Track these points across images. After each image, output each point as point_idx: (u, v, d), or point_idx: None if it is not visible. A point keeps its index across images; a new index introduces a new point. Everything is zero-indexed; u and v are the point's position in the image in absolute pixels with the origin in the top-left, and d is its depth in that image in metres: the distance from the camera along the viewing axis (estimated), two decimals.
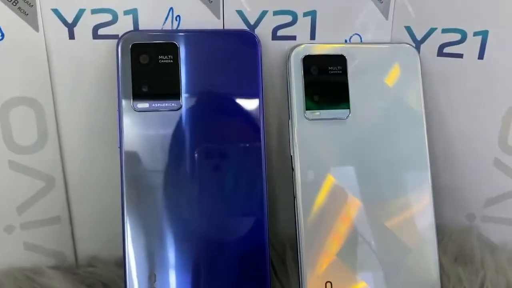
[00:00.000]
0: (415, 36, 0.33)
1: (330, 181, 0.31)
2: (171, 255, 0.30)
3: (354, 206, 0.31)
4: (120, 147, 0.30)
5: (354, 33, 0.33)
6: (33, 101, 0.31)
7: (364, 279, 0.31)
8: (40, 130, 0.32)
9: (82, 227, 0.35)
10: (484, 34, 0.32)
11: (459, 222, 0.37)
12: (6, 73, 0.30)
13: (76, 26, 0.30)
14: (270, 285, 0.31)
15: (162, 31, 0.31)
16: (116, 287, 0.33)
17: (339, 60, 0.32)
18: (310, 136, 0.31)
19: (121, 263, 0.30)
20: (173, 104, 0.30)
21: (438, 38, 0.33)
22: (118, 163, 0.30)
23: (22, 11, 0.29)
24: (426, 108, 0.33)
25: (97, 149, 0.33)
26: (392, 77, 0.32)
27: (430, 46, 0.33)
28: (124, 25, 0.31)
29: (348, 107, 0.32)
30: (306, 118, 0.31)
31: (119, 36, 0.30)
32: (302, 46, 0.32)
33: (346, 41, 0.33)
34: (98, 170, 0.34)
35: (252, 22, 0.32)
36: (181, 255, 0.30)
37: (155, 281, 0.30)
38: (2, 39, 0.30)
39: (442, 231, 0.36)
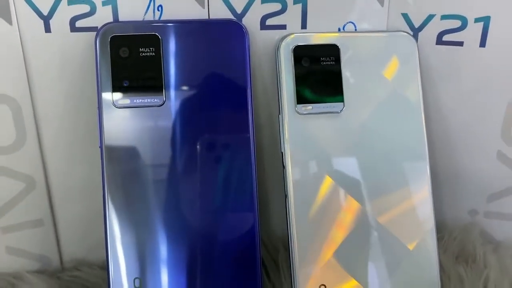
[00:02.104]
0: (412, 24, 0.32)
1: (323, 178, 0.30)
2: (157, 257, 0.29)
3: (349, 205, 0.30)
4: (101, 146, 0.29)
5: (348, 21, 0.32)
6: (9, 98, 0.30)
7: (360, 281, 0.29)
8: (18, 129, 0.31)
9: (66, 229, 0.35)
10: (485, 21, 0.31)
11: (461, 219, 0.36)
12: None
13: (52, 19, 0.29)
14: (262, 287, 0.30)
15: (143, 22, 0.30)
16: None
17: (332, 50, 0.30)
18: (302, 132, 0.30)
19: None
20: (155, 100, 0.29)
21: (437, 26, 0.31)
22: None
23: None
24: (424, 99, 0.31)
25: (79, 147, 0.32)
26: (389, 67, 0.31)
27: (429, 34, 0.32)
28: (103, 17, 0.30)
29: (342, 100, 0.30)
30: (298, 112, 0.30)
31: (98, 28, 0.29)
32: (292, 35, 0.30)
33: (339, 29, 0.32)
34: (81, 169, 0.33)
35: (239, 11, 0.31)
36: (167, 257, 0.29)
37: (140, 285, 0.29)
38: None
39: (442, 228, 0.35)
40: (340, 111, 0.30)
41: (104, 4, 0.29)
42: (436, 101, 0.33)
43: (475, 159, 0.34)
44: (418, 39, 0.32)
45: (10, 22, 0.29)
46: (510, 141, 0.33)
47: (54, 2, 0.29)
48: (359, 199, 0.30)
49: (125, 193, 0.29)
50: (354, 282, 0.29)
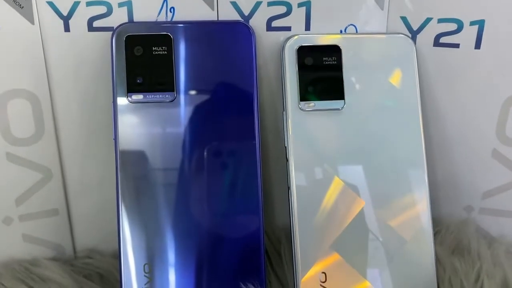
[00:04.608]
0: (411, 27, 0.33)
1: (324, 171, 0.31)
2: (165, 246, 0.30)
3: (348, 198, 0.31)
4: (115, 138, 0.30)
5: (349, 23, 0.33)
6: (30, 93, 0.32)
7: (359, 270, 0.31)
8: (37, 122, 0.33)
9: (80, 220, 0.36)
10: (480, 24, 0.32)
11: (457, 215, 0.37)
12: (2, 66, 0.31)
13: (71, 19, 0.31)
14: (265, 277, 0.31)
15: (156, 22, 0.31)
16: (113, 278, 0.34)
17: (334, 51, 0.32)
18: (305, 127, 0.31)
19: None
20: (167, 96, 0.31)
21: (434, 28, 0.33)
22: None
23: (17, 3, 0.30)
24: (422, 98, 0.33)
25: (94, 141, 0.34)
26: (388, 67, 0.32)
27: (426, 37, 0.33)
28: (118, 17, 0.31)
29: (343, 98, 0.32)
30: (301, 109, 0.31)
31: (114, 28, 0.31)
32: (296, 37, 0.32)
33: (341, 31, 0.33)
34: (95, 162, 0.34)
35: (246, 13, 0.32)
36: (175, 247, 0.31)
37: (149, 271, 0.30)
38: None
39: (440, 223, 0.36)
40: (341, 108, 0.32)
41: (120, 5, 0.31)
42: (433, 101, 0.34)
43: (471, 157, 0.35)
44: (416, 41, 0.33)
45: (32, 22, 0.30)
46: (505, 140, 0.34)
47: (73, 4, 0.30)
48: (359, 192, 0.31)
49: (137, 182, 0.30)
50: (353, 271, 0.31)
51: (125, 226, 0.30)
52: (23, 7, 0.30)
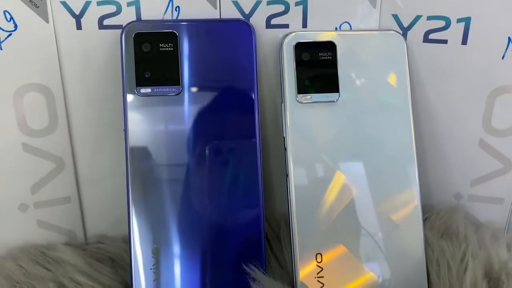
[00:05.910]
0: (402, 24, 0.35)
1: (320, 160, 0.33)
2: (171, 232, 0.32)
3: (343, 184, 0.33)
4: (125, 129, 0.32)
5: (344, 21, 0.34)
6: (44, 87, 0.34)
7: (353, 252, 0.33)
8: (50, 115, 0.34)
9: (91, 207, 0.37)
10: (467, 21, 0.33)
11: (447, 202, 0.38)
12: (19, 62, 0.33)
13: (83, 17, 0.32)
14: (266, 259, 0.33)
15: (162, 21, 0.33)
16: (123, 261, 0.35)
17: (329, 47, 0.33)
18: (302, 119, 0.33)
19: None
20: (173, 89, 0.32)
21: (423, 25, 0.34)
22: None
23: (33, 3, 0.32)
24: (412, 91, 0.34)
25: (105, 132, 0.35)
26: (380, 63, 0.34)
27: (416, 33, 0.34)
28: (127, 16, 0.32)
29: (338, 91, 0.33)
30: (298, 101, 0.33)
31: (123, 26, 0.32)
32: (294, 33, 0.33)
33: (336, 28, 0.35)
34: (106, 152, 0.36)
35: (247, 11, 0.33)
36: (181, 232, 0.32)
37: (156, 254, 0.32)
38: (15, 30, 0.32)
39: (431, 210, 0.37)
40: (336, 100, 0.33)
41: (128, 5, 0.32)
42: (423, 94, 0.36)
43: (460, 147, 0.37)
44: (407, 38, 0.34)
45: (47, 21, 0.32)
46: (491, 130, 0.36)
47: (85, 3, 0.32)
48: (353, 180, 0.33)
49: (146, 170, 0.32)
50: (347, 252, 0.32)
51: (134, 213, 0.32)
52: (38, 6, 0.32)
